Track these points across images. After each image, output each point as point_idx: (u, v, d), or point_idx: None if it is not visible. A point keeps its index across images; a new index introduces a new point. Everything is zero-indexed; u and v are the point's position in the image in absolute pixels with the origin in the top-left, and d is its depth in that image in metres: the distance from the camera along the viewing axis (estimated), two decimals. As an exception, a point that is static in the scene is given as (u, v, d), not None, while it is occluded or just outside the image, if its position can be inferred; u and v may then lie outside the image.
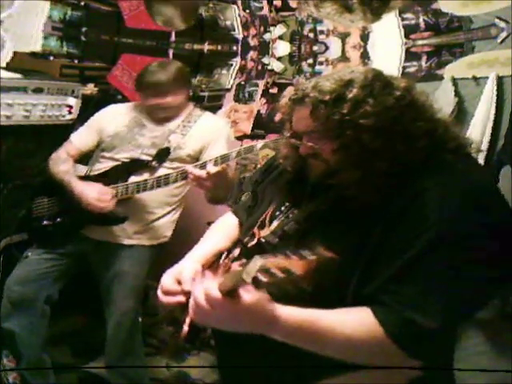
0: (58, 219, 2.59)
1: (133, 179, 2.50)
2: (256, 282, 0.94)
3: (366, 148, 1.19)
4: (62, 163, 2.61)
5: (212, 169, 2.06)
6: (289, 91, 1.35)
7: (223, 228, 1.66)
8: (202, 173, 2.07)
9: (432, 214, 1.13)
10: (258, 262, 0.95)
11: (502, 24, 2.55)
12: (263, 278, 0.93)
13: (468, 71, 2.68)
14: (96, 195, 2.43)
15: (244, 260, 1.26)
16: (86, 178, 2.60)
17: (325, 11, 2.94)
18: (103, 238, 2.61)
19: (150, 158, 2.56)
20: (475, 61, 2.67)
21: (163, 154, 2.56)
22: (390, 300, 1.12)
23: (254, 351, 1.22)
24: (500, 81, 2.58)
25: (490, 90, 2.57)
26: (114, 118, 2.69)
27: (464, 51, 2.71)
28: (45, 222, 2.60)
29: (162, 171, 2.52)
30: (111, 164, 2.59)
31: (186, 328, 1.35)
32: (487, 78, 2.60)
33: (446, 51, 2.78)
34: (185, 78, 2.66)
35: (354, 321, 1.14)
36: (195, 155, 2.59)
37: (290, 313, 1.11)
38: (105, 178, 2.54)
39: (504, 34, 2.55)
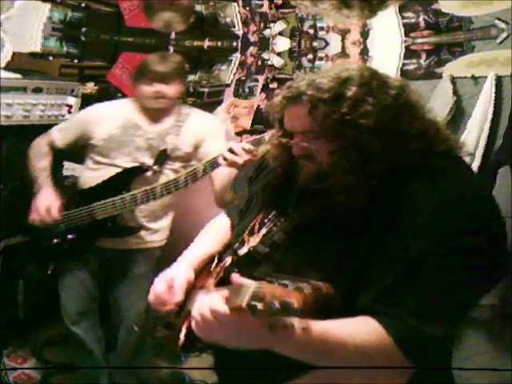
0: (70, 236, 2.52)
1: (137, 187, 2.43)
2: (252, 309, 0.89)
3: (363, 150, 1.15)
4: (41, 158, 2.55)
5: (247, 145, 2.06)
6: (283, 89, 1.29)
7: (216, 230, 1.64)
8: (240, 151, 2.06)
9: (423, 221, 1.11)
10: (251, 287, 0.92)
11: (502, 25, 2.54)
12: (259, 306, 0.88)
13: (467, 70, 2.68)
14: (45, 206, 2.37)
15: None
16: (86, 189, 2.56)
17: (322, 6, 2.92)
18: (117, 245, 2.58)
19: (149, 161, 2.52)
20: (474, 60, 2.66)
21: (162, 157, 2.52)
22: (391, 310, 1.09)
23: (250, 352, 1.15)
24: (499, 80, 2.57)
25: (488, 90, 2.57)
26: (104, 120, 2.58)
27: (463, 50, 2.71)
28: (55, 241, 2.52)
29: (165, 173, 2.51)
30: (109, 170, 2.52)
31: (182, 337, 1.34)
32: (486, 77, 2.59)
33: (446, 50, 2.77)
34: (182, 71, 2.63)
35: (362, 331, 1.08)
36: (193, 151, 2.57)
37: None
38: (107, 189, 2.47)
39: (504, 35, 2.54)
